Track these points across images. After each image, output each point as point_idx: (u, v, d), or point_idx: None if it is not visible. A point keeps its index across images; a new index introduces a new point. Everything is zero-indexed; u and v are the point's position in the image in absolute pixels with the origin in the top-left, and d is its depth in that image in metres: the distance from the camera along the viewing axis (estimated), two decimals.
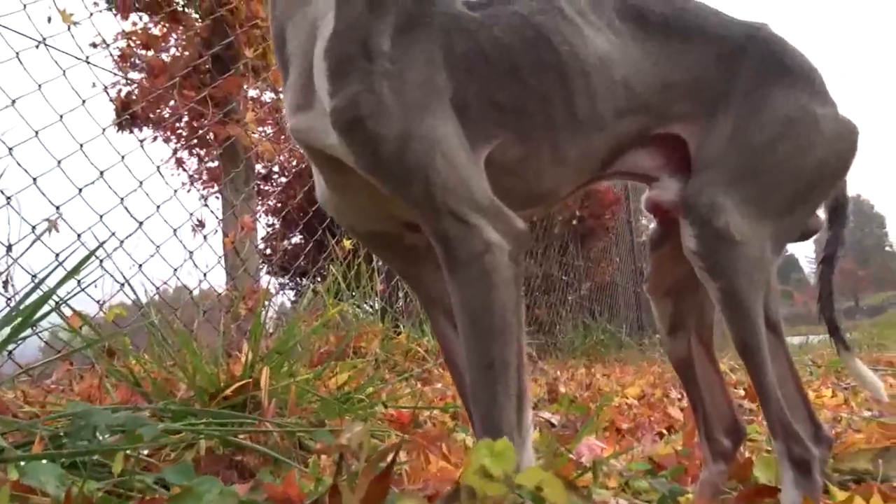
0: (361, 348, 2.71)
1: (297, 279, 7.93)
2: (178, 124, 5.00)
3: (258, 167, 9.44)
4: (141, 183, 2.32)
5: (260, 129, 5.99)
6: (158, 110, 4.96)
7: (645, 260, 1.32)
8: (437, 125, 0.87)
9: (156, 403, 1.31)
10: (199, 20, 4.42)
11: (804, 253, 64.79)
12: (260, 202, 9.28)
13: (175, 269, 2.49)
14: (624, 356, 6.11)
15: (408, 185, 0.86)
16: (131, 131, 4.95)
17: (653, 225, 1.20)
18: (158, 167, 2.48)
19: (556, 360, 4.71)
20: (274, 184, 9.17)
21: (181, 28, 4.51)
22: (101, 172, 2.18)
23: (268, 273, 8.25)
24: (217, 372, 1.41)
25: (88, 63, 2.65)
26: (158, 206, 2.37)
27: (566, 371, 3.73)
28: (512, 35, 0.96)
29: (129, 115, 4.75)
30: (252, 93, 5.78)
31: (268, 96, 5.97)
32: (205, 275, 2.83)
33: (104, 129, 2.39)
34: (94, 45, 4.73)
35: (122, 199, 2.22)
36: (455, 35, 0.93)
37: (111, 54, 4.41)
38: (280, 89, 5.94)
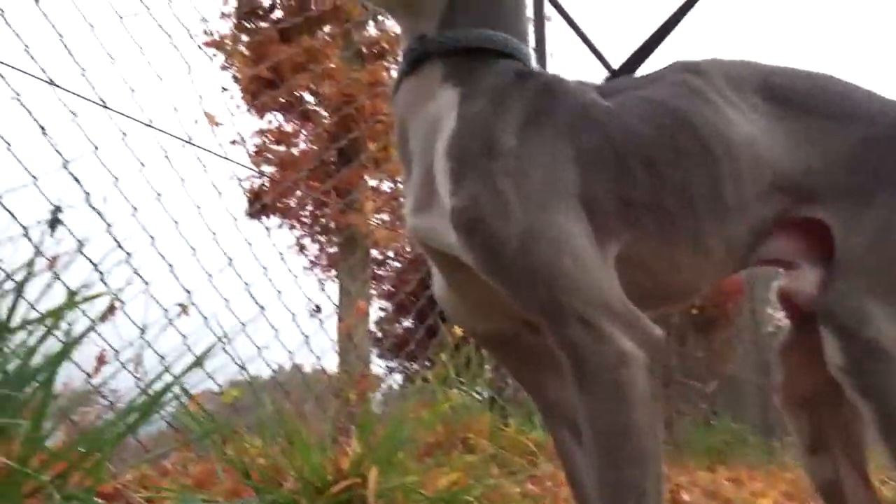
0: (469, 440, 2.62)
1: (407, 363, 7.99)
2: (302, 213, 5.28)
3: (374, 253, 9.81)
4: (266, 269, 2.42)
5: (377, 216, 6.22)
6: (286, 200, 5.25)
7: (773, 355, 1.15)
8: (563, 223, 0.80)
9: (263, 496, 1.29)
10: (328, 117, 4.70)
11: None
12: (374, 287, 9.56)
13: (291, 353, 2.54)
14: (750, 458, 5.60)
15: (532, 288, 0.79)
16: (260, 219, 5.25)
17: (784, 320, 1.07)
18: (282, 255, 2.58)
19: (675, 460, 4.38)
20: (388, 269, 9.42)
21: (310, 125, 4.81)
22: (231, 259, 2.30)
23: (378, 356, 8.40)
24: (325, 462, 1.38)
25: (228, 160, 2.86)
26: (280, 292, 2.45)
27: (687, 474, 3.44)
28: (646, 123, 0.89)
29: (260, 206, 5.06)
30: (372, 182, 6.02)
31: (386, 185, 6.20)
32: (318, 358, 2.87)
33: (236, 219, 2.54)
34: (234, 142, 5.16)
35: (247, 284, 2.32)
36: (584, 127, 0.86)
37: (247, 150, 4.76)
38: (398, 179, 6.18)
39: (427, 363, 4.66)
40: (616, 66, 1.23)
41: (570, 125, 0.86)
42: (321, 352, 2.95)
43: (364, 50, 5.04)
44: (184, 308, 2.13)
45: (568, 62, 4.82)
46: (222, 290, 2.35)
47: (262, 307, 2.36)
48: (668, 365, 6.09)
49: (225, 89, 4.84)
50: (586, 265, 0.79)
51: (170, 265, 2.11)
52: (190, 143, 2.26)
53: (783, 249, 0.94)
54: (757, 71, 0.98)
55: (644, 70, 1.21)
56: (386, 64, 5.34)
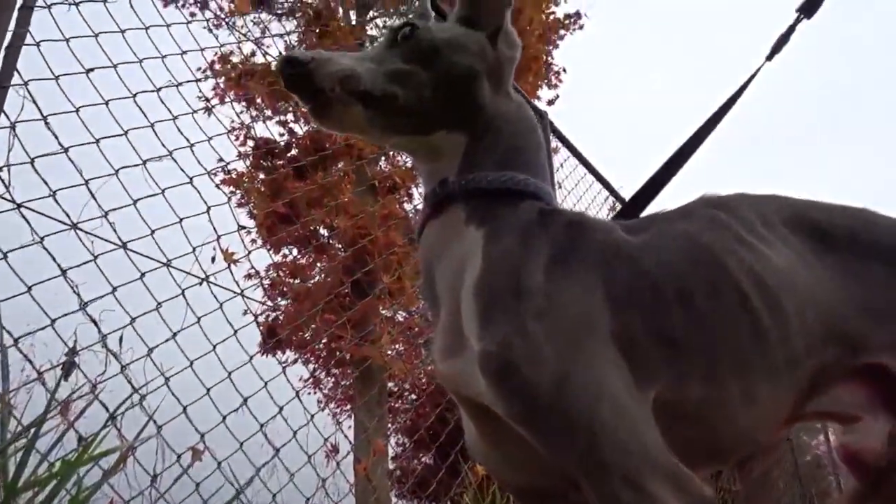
0: None
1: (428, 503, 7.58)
2: (317, 346, 5.24)
3: (390, 384, 9.63)
4: (280, 409, 2.35)
5: (393, 346, 6.15)
6: (301, 333, 5.23)
7: (815, 486, 1.00)
8: (600, 367, 0.74)
9: None
10: (342, 250, 4.77)
11: None
12: (390, 420, 9.30)
13: (308, 499, 2.41)
14: None
15: (567, 440, 0.72)
16: (275, 354, 5.20)
17: (821, 448, 0.97)
18: (297, 392, 2.52)
19: None
20: (405, 401, 9.21)
21: (325, 257, 4.88)
22: (245, 399, 2.24)
23: (397, 496, 8.00)
24: None
25: (244, 296, 2.87)
26: (295, 432, 2.36)
27: None
28: (680, 258, 0.84)
29: (275, 340, 5.03)
30: (386, 313, 6.01)
31: (401, 316, 6.18)
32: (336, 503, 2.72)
33: (251, 357, 2.51)
34: (249, 276, 5.22)
35: (262, 425, 2.24)
36: (615, 264, 0.82)
37: (262, 285, 4.80)
38: (413, 309, 6.17)
39: None
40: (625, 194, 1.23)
41: (600, 261, 0.82)
42: (339, 494, 2.81)
43: (377, 184, 5.21)
44: (196, 453, 2.05)
45: (576, 192, 4.93)
46: (237, 431, 2.28)
47: (276, 449, 2.27)
48: None
49: (242, 227, 4.97)
50: (627, 413, 0.72)
51: (183, 407, 2.06)
52: (206, 280, 2.27)
53: (842, 401, 0.86)
54: (788, 206, 0.94)
55: (656, 201, 1.19)
56: (398, 197, 5.50)
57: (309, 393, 5.63)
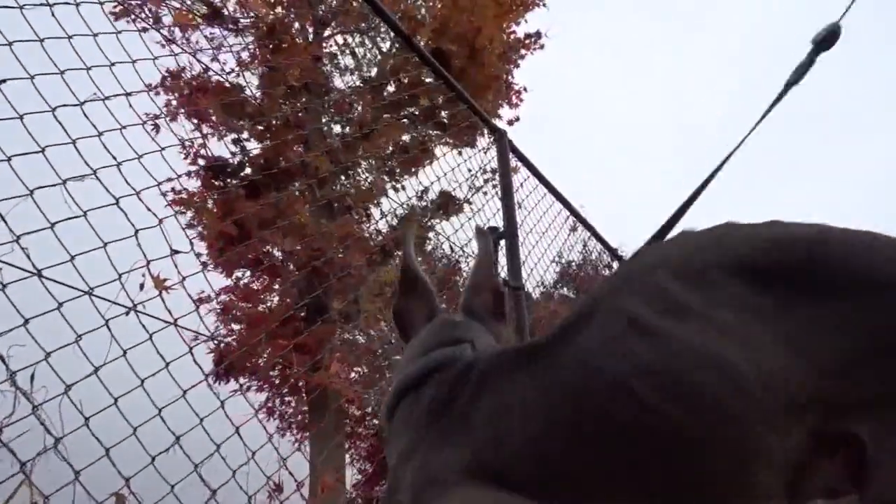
0: None
1: None
2: (271, 374, 5.04)
3: (353, 409, 9.38)
4: (218, 447, 2.18)
5: (353, 370, 5.96)
6: (254, 360, 5.04)
7: None
8: None
9: None
10: (296, 272, 4.61)
11: None
12: (352, 446, 9.06)
13: None
14: None
15: None
16: (227, 382, 5.00)
17: None
18: (238, 428, 2.35)
19: None
20: (367, 426, 8.99)
21: (279, 280, 4.71)
22: (177, 438, 2.07)
23: None
24: None
25: (177, 326, 2.70)
26: (234, 472, 2.20)
27: None
28: (594, 389, 0.70)
29: (226, 367, 4.83)
30: (347, 336, 5.84)
31: (362, 338, 6.02)
32: None
33: (184, 392, 2.33)
34: (200, 302, 5.01)
35: (196, 466, 2.07)
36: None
37: (216, 310, 4.60)
38: (371, 332, 6.02)
39: None
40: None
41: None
42: None
43: (334, 205, 5.06)
44: (120, 500, 1.88)
45: (537, 211, 4.86)
46: (173, 471, 2.11)
47: (213, 491, 2.10)
48: None
49: (175, 251, 4.77)
50: None
51: (106, 449, 1.88)
52: (134, 310, 2.11)
53: (827, 476, 0.70)
54: (731, 250, 0.75)
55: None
56: (356, 217, 5.36)
57: (266, 420, 5.42)
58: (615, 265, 6.08)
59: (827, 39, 1.29)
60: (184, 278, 1.93)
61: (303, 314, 4.77)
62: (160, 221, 2.03)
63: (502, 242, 4.23)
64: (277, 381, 5.05)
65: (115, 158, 1.99)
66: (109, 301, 1.93)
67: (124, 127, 2.07)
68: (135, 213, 2.10)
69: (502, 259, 4.19)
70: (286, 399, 5.31)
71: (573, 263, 7.14)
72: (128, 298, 2.01)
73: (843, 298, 0.68)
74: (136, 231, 1.98)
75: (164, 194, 2.31)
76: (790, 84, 1.27)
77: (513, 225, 4.15)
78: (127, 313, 2.00)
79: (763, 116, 1.26)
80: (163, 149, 2.19)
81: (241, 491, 2.19)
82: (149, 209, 1.99)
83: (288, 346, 4.27)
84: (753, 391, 0.65)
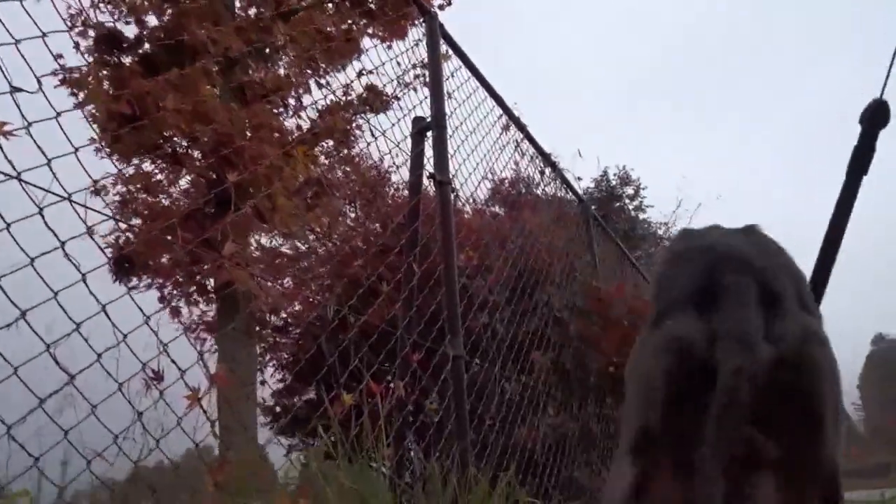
0: None
1: (308, 440, 7.25)
2: (175, 272, 4.67)
3: (274, 319, 9.09)
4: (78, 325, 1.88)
5: (273, 279, 5.64)
6: (157, 258, 4.65)
7: None
8: None
9: None
10: (201, 160, 4.20)
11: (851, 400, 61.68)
12: (273, 356, 8.82)
13: (116, 435, 1.98)
14: None
15: None
16: (127, 280, 4.62)
17: None
18: (106, 310, 2.04)
19: None
20: (290, 335, 8.76)
21: (183, 170, 4.29)
22: (78, 325, 1.77)
23: (278, 433, 7.61)
24: None
25: (72, 202, 2.32)
26: (99, 356, 1.91)
27: None
28: None
29: (126, 264, 4.44)
30: (263, 241, 5.50)
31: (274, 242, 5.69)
32: (196, 445, 2.28)
33: (84, 275, 1.99)
34: (97, 193, 4.54)
35: (48, 346, 1.77)
36: None
37: (105, 206, 4.17)
38: (287, 233, 5.68)
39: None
40: None
41: None
42: (199, 432, 2.38)
43: (245, 91, 4.61)
44: None
45: (468, 105, 4.57)
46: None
47: (71, 376, 1.81)
48: (589, 429, 5.72)
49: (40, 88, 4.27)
50: None
51: None
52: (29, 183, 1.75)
53: None
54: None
55: None
56: (272, 107, 4.92)
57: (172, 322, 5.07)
58: (548, 171, 5.90)
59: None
60: (29, 124, 1.58)
61: (211, 210, 4.40)
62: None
63: (429, 134, 3.94)
64: (182, 279, 4.70)
65: None
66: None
67: None
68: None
69: (429, 151, 3.90)
70: (192, 299, 4.97)
71: (506, 182, 6.91)
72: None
73: None
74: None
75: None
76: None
77: (441, 115, 3.85)
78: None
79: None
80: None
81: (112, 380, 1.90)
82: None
83: (193, 241, 3.91)
84: None
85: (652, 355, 0.77)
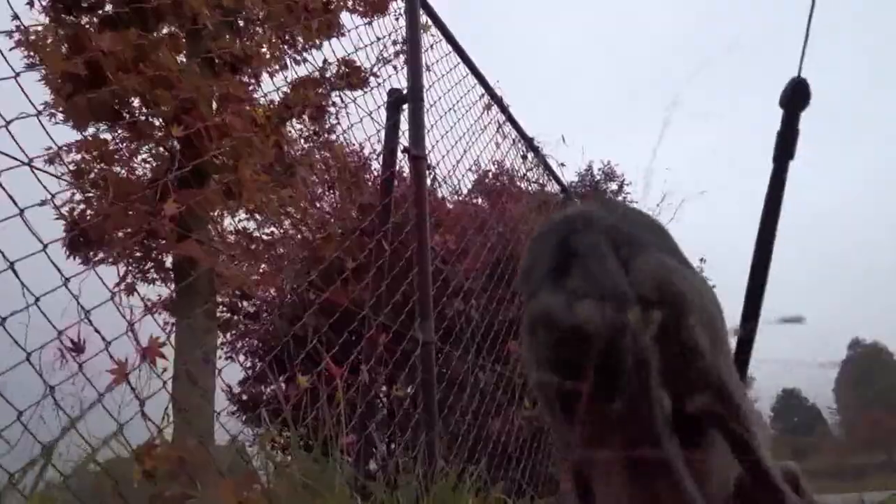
0: None
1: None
2: (130, 247, 4.42)
3: (246, 306, 8.85)
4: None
5: (250, 264, 5.41)
6: (116, 232, 4.39)
7: None
8: None
9: None
10: (162, 130, 3.95)
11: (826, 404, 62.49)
12: (245, 344, 8.58)
13: (73, 420, 1.77)
14: None
15: None
16: (82, 255, 4.36)
17: None
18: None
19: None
20: (262, 322, 8.53)
21: (142, 139, 4.04)
22: (37, 298, 1.54)
23: (244, 422, 7.39)
24: None
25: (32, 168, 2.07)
26: (3, 319, 1.68)
27: None
28: None
29: (82, 238, 4.19)
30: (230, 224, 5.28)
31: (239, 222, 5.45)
32: (121, 426, 2.06)
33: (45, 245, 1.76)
34: (51, 161, 4.28)
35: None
36: None
37: (61, 174, 3.92)
38: (255, 212, 5.45)
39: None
40: None
41: None
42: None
43: (215, 59, 4.36)
44: None
45: (448, 80, 4.36)
46: None
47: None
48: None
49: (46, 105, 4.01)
50: None
51: None
52: None
53: None
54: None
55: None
56: (242, 78, 4.68)
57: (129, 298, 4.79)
58: (531, 156, 5.69)
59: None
60: None
61: (175, 184, 4.14)
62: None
63: (406, 107, 3.72)
64: (140, 254, 4.44)
65: None
66: None
67: None
68: None
69: (405, 125, 3.69)
70: (148, 276, 4.70)
71: (489, 173, 6.73)
72: None
73: None
74: None
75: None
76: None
77: (418, 88, 3.64)
78: None
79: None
80: None
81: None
82: None
83: (153, 215, 3.68)
84: None
85: (525, 347, 0.74)
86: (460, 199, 5.98)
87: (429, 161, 3.68)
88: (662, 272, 0.69)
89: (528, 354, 0.74)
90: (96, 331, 1.85)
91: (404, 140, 3.61)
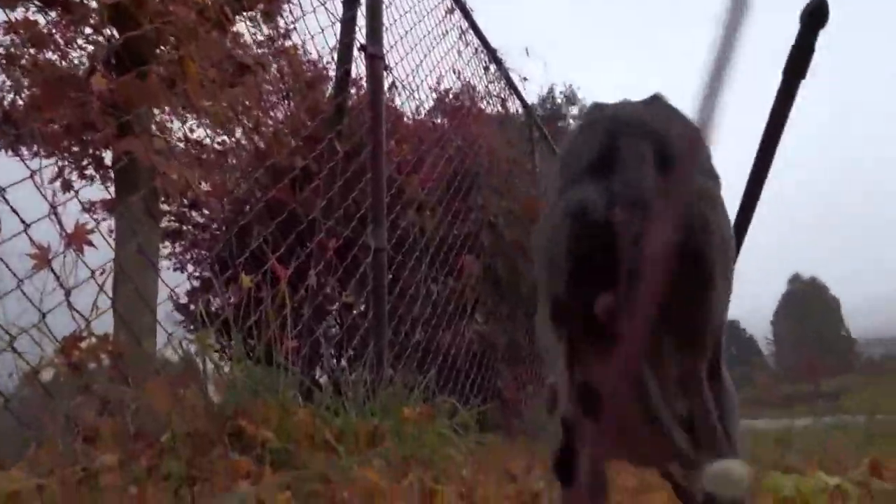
0: (244, 431, 1.84)
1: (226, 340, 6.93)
2: (69, 141, 4.14)
3: (195, 215, 8.57)
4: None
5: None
6: (50, 124, 4.10)
7: None
8: None
9: None
10: (96, 10, 3.64)
11: (763, 334, 65.37)
12: (194, 254, 8.36)
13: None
14: None
15: None
16: (15, 151, 4.07)
17: None
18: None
19: (525, 445, 3.84)
20: (211, 233, 8.29)
21: (77, 24, 3.72)
22: None
23: (189, 331, 7.27)
24: None
25: None
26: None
27: (541, 466, 2.85)
28: None
29: (13, 132, 3.90)
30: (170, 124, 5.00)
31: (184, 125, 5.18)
32: (44, 315, 1.93)
33: None
34: None
35: None
36: None
37: None
38: (199, 107, 5.17)
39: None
40: None
41: None
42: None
43: None
44: None
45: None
46: None
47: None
48: (516, 340, 5.58)
49: None
50: None
51: None
52: None
53: None
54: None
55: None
56: None
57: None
58: (493, 68, 5.48)
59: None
60: None
61: (112, 72, 3.86)
62: None
63: (363, 1, 3.48)
64: (77, 149, 4.17)
65: None
66: None
67: None
68: None
69: (361, 20, 3.47)
70: (87, 174, 4.44)
71: (450, 92, 6.50)
72: None
73: None
74: None
75: None
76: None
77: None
78: None
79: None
80: None
81: None
82: None
83: (89, 104, 3.43)
84: None
85: (553, 223, 0.78)
86: (420, 118, 5.78)
87: (386, 62, 3.48)
88: (698, 198, 0.72)
89: (552, 229, 0.76)
90: (13, 210, 1.69)
91: (361, 37, 3.40)
